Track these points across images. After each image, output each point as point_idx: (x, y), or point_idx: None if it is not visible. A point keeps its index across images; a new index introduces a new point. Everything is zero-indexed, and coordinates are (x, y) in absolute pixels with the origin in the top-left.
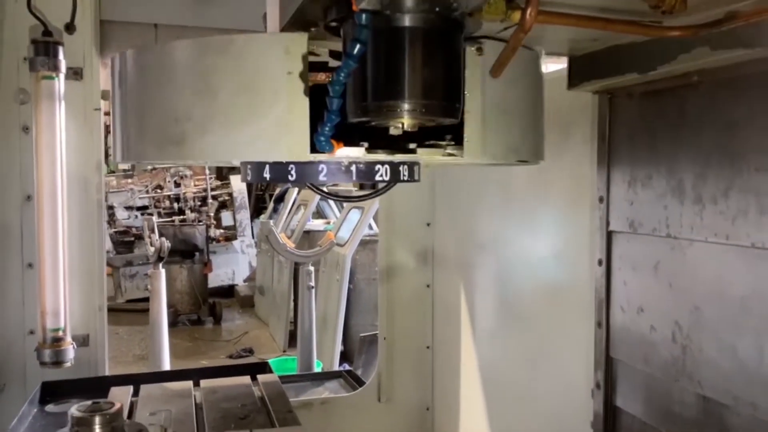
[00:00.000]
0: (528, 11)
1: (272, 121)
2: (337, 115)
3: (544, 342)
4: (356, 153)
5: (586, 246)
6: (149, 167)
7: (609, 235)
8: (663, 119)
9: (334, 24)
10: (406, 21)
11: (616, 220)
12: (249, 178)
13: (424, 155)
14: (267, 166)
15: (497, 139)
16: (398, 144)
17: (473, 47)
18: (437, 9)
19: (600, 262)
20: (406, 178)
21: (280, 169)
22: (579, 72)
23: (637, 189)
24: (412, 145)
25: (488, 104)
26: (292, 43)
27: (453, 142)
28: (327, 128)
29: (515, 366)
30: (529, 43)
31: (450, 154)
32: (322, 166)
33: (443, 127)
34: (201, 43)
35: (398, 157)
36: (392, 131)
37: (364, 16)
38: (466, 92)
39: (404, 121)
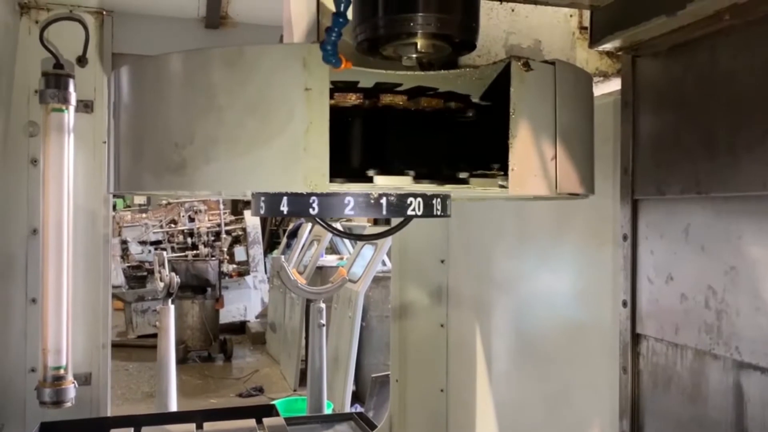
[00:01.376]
0: None
1: (286, 145)
2: (345, 18)
3: (564, 387)
4: (402, 183)
5: (609, 286)
6: (164, 201)
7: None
8: (693, 75)
9: None
10: None
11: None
12: (262, 211)
13: (477, 186)
14: (285, 199)
15: (548, 168)
16: (442, 174)
17: (519, 62)
18: None
19: (624, 304)
20: (439, 213)
21: (299, 201)
22: (602, 24)
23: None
24: (463, 175)
25: (538, 128)
26: (310, 54)
27: (502, 172)
28: (334, 35)
29: (534, 412)
30: None
31: (503, 186)
32: (348, 198)
33: (488, 156)
34: (205, 56)
35: (448, 188)
36: (405, 61)
37: None
38: (511, 113)
39: (418, 41)
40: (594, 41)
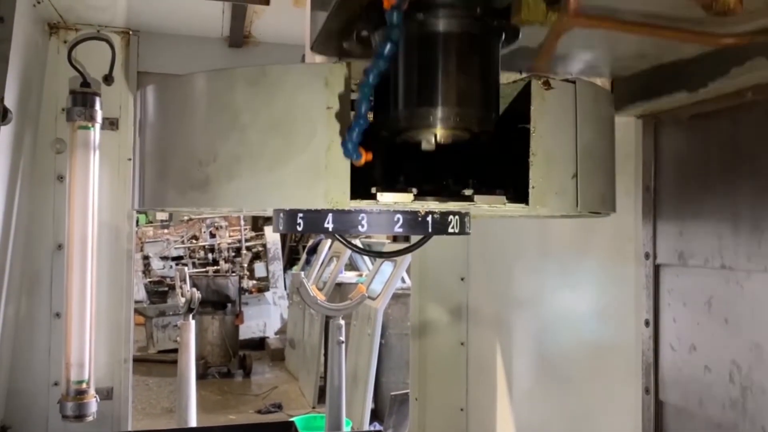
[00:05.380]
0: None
1: (308, 162)
2: (365, 120)
3: (586, 407)
4: (402, 199)
5: (631, 305)
6: (185, 218)
7: (657, 269)
8: (714, 145)
9: (364, 34)
10: (440, 26)
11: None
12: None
13: (482, 204)
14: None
15: (569, 186)
16: (449, 191)
17: (540, 80)
18: (470, 9)
19: (647, 323)
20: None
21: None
22: (623, 94)
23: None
24: (468, 192)
25: (558, 145)
26: (332, 74)
27: (512, 189)
28: (355, 134)
29: None
30: (572, 62)
31: (514, 203)
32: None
33: (498, 175)
34: (229, 75)
35: (450, 206)
36: (424, 146)
37: (395, 14)
38: (531, 130)
39: (437, 132)
40: (615, 108)
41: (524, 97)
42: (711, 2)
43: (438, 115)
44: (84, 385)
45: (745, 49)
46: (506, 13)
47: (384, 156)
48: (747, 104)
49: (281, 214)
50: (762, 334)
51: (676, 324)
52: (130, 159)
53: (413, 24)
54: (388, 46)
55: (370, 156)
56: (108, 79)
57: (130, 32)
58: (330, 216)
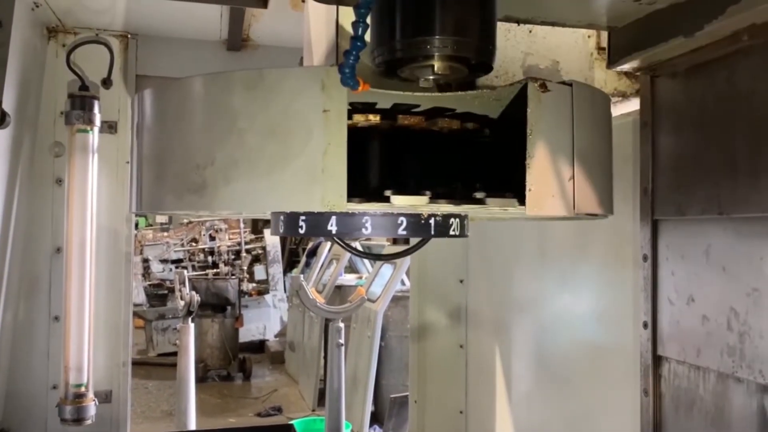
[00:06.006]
0: None
1: (305, 166)
2: (362, 42)
3: (585, 409)
4: (418, 202)
5: (629, 307)
6: (185, 221)
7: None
8: (711, 95)
9: None
10: None
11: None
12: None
13: (494, 206)
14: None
15: (566, 188)
16: (460, 193)
17: (536, 83)
18: None
19: (645, 325)
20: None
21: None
22: (620, 45)
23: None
24: (479, 195)
25: (555, 148)
26: (328, 77)
27: (515, 193)
28: (352, 58)
29: None
30: (570, 12)
31: (521, 204)
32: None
33: (505, 176)
34: (226, 79)
35: (463, 208)
36: (422, 83)
37: None
38: (528, 133)
39: (435, 63)
40: (612, 62)
41: (521, 99)
42: None
43: (435, 44)
44: (83, 389)
45: None
46: None
47: (384, 159)
48: (743, 49)
49: (281, 217)
50: (759, 279)
51: (674, 277)
52: (128, 162)
53: None
54: None
55: (367, 86)
56: (107, 82)
57: (129, 36)
58: (333, 219)
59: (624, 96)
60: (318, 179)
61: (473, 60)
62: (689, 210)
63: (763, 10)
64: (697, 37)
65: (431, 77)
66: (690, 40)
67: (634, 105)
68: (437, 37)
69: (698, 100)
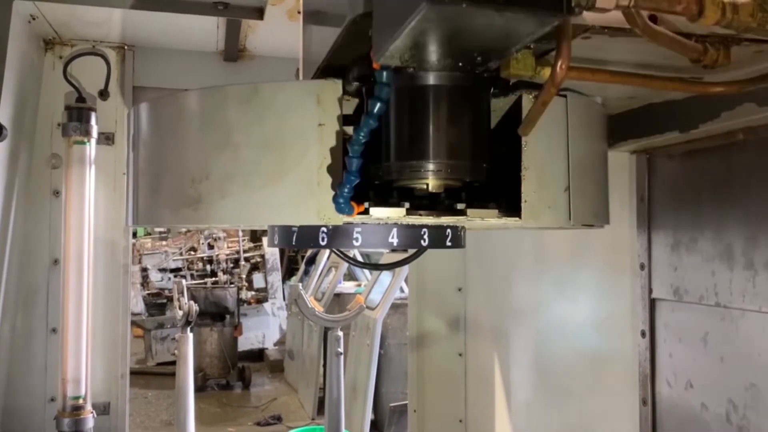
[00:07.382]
0: (558, 64)
1: (300, 180)
2: (356, 176)
3: (584, 418)
4: (395, 214)
5: (627, 315)
6: (183, 230)
7: (652, 303)
8: (707, 180)
9: (356, 83)
10: (430, 79)
11: (660, 287)
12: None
13: (475, 217)
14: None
15: (561, 199)
16: (443, 204)
17: (531, 95)
18: (460, 65)
19: (643, 334)
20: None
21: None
22: (616, 131)
23: (681, 254)
24: (460, 206)
25: (550, 159)
26: (324, 91)
27: (503, 202)
28: (346, 190)
29: None
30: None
31: (506, 216)
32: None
33: (493, 186)
34: (221, 93)
35: (443, 220)
36: (416, 192)
37: (385, 73)
38: (523, 144)
39: (429, 182)
40: (608, 145)
41: (516, 111)
42: (699, 57)
43: (429, 168)
44: (81, 401)
45: (736, 95)
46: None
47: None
48: (739, 143)
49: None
50: (757, 374)
51: (672, 359)
52: (125, 174)
53: (404, 76)
54: (378, 105)
55: (362, 208)
56: (103, 94)
57: (126, 47)
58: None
59: None
60: (314, 193)
61: (467, 179)
62: (686, 294)
63: (757, 118)
64: (692, 134)
65: (425, 189)
66: (685, 135)
67: None
68: (431, 161)
69: (693, 185)
